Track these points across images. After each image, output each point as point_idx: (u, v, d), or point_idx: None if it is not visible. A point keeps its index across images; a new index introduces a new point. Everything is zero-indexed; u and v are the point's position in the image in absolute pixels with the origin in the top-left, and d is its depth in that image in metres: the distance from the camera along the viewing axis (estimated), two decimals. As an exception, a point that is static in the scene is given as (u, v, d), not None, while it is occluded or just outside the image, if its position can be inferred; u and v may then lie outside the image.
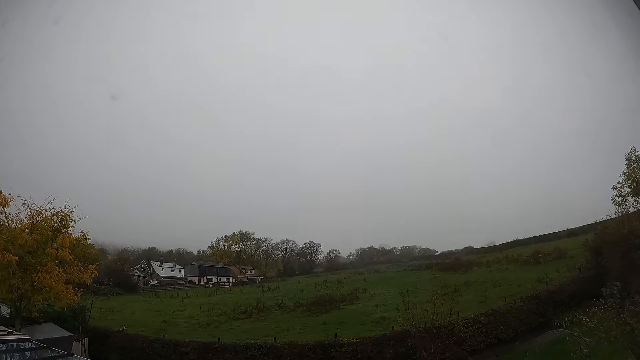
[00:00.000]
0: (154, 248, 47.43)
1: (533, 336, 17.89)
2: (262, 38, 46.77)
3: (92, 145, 39.49)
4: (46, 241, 18.37)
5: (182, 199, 43.04)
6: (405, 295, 19.29)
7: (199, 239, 47.19)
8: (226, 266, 48.14)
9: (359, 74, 44.65)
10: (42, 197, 18.96)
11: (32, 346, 8.11)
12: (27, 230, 18.41)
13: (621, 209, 22.82)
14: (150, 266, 44.76)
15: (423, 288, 27.93)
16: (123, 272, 40.89)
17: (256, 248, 52.86)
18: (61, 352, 8.19)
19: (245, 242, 52.16)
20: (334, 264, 51.14)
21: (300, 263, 52.55)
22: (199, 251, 50.19)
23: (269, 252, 53.18)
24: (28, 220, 18.82)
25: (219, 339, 22.10)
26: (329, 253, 51.98)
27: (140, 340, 22.35)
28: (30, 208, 18.75)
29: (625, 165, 22.88)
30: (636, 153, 22.67)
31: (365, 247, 50.51)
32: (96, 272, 20.06)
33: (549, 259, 29.98)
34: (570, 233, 32.79)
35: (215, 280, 46.03)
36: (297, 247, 52.31)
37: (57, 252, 18.60)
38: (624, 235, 20.67)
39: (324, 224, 42.17)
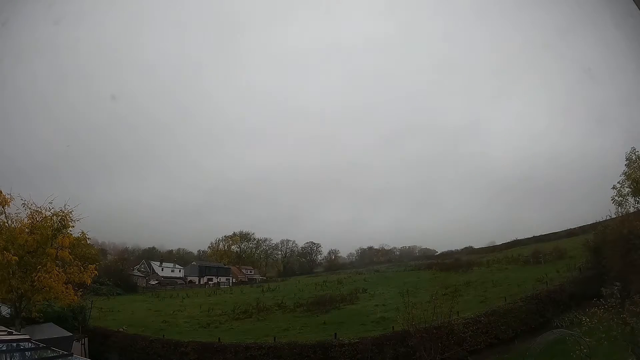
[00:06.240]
0: (154, 248, 47.45)
1: (533, 336, 17.83)
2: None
3: (92, 145, 39.54)
4: (46, 241, 18.34)
5: (182, 198, 43.07)
6: (405, 295, 19.18)
7: (199, 239, 47.25)
8: (226, 266, 48.10)
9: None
10: (42, 197, 18.97)
11: (32, 346, 8.07)
12: (27, 230, 18.37)
13: (621, 209, 22.85)
14: (150, 266, 44.74)
15: (423, 288, 27.82)
16: (123, 272, 40.93)
17: (256, 248, 52.85)
18: (61, 352, 8.14)
19: (245, 242, 52.17)
20: (334, 264, 51.11)
21: (300, 263, 52.53)
22: (199, 251, 50.29)
23: (269, 252, 53.18)
24: (28, 220, 18.80)
25: (219, 339, 22.07)
26: (329, 253, 52.06)
27: (140, 340, 22.35)
28: (30, 208, 18.75)
29: (625, 165, 22.91)
30: (636, 153, 22.69)
31: (365, 247, 50.52)
32: (96, 272, 20.03)
33: (549, 259, 29.95)
34: (570, 233, 32.71)
35: (215, 280, 45.98)
36: (297, 247, 52.37)
37: (57, 252, 18.57)
38: (624, 235, 20.60)
39: (324, 224, 42.21)
